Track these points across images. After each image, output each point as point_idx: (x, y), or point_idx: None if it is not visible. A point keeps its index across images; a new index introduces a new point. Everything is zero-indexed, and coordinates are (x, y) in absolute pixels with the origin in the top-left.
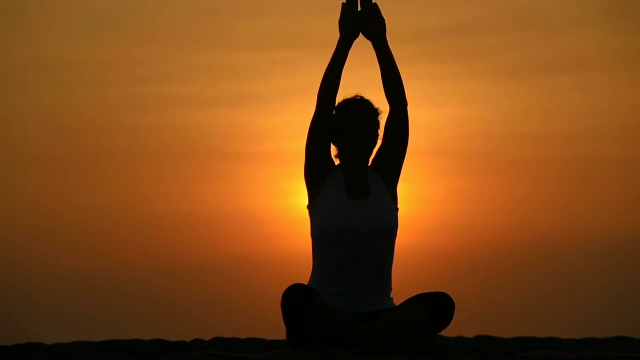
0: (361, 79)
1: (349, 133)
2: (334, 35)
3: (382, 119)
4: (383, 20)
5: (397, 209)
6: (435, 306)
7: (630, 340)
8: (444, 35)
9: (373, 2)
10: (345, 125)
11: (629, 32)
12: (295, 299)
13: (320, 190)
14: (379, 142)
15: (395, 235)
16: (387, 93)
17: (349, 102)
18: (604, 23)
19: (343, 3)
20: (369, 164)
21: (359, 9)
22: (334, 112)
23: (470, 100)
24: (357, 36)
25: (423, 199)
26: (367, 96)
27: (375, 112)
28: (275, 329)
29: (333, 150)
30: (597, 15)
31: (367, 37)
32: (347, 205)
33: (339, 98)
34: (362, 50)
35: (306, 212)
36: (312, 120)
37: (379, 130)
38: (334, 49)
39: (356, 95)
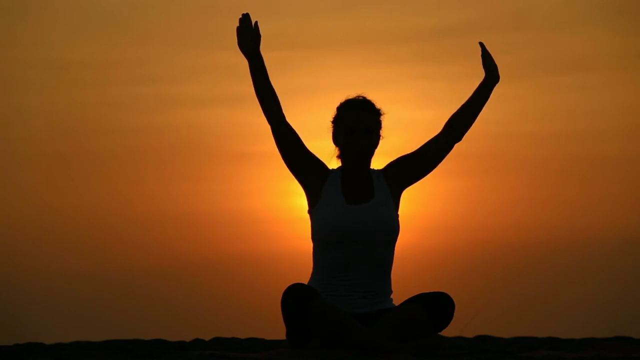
0: (362, 79)
1: (351, 133)
2: (334, 35)
3: (384, 120)
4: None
5: (398, 215)
6: (435, 306)
7: (630, 340)
8: (442, 35)
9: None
10: (346, 125)
11: (628, 32)
12: (295, 299)
13: (319, 196)
14: (403, 152)
15: (395, 239)
16: (453, 122)
17: (350, 102)
18: (603, 23)
19: (237, 27)
20: (381, 167)
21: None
22: (336, 111)
23: None
24: (257, 48)
25: (423, 199)
26: (369, 97)
27: (377, 113)
28: (275, 329)
29: (335, 151)
30: (596, 15)
31: (486, 70)
32: (347, 209)
33: (341, 98)
34: (362, 50)
35: (306, 211)
36: (274, 138)
37: (380, 131)
38: (333, 48)
39: (358, 96)
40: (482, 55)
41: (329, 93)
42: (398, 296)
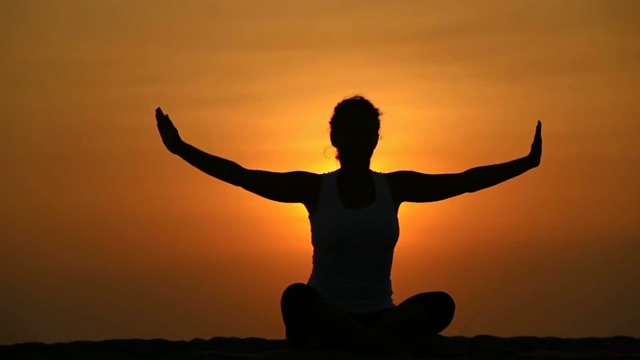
0: (362, 79)
1: (349, 133)
2: (334, 35)
3: (383, 120)
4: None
5: (398, 219)
6: (435, 306)
7: (630, 340)
8: (442, 35)
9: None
10: (344, 125)
11: (628, 32)
12: (295, 299)
13: (317, 204)
14: (422, 171)
15: (395, 242)
16: (474, 175)
17: (348, 102)
18: (603, 23)
19: (157, 124)
20: (391, 172)
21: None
22: (334, 112)
23: (469, 101)
24: (179, 140)
25: None
26: (367, 97)
27: (375, 113)
28: (275, 329)
29: (334, 151)
30: (595, 15)
31: (532, 152)
32: (347, 213)
33: (341, 98)
34: (362, 50)
35: (306, 212)
36: (252, 192)
37: (379, 131)
38: (333, 48)
39: (356, 96)
40: (535, 136)
41: (329, 93)
42: (398, 296)
